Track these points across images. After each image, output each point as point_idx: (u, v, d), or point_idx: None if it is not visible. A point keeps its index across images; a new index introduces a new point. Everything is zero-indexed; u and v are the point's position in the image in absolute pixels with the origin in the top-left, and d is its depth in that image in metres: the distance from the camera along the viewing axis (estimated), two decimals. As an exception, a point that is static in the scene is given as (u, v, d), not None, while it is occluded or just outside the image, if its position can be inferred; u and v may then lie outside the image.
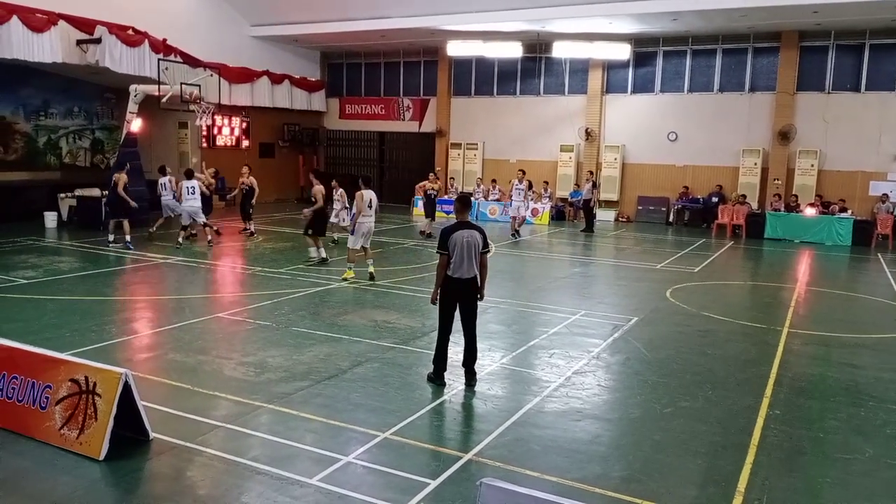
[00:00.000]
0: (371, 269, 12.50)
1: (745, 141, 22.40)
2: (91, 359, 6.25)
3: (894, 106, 20.68)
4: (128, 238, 15.33)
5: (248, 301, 10.92)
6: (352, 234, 12.43)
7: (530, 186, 20.64)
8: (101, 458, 5.33)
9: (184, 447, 5.63)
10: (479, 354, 7.47)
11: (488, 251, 7.43)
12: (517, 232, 19.27)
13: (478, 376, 7.38)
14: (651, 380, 7.71)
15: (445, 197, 25.01)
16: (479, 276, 7.29)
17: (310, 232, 13.98)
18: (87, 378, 5.58)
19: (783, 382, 7.71)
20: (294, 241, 17.07)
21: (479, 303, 7.41)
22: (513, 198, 19.58)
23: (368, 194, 12.28)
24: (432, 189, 19.64)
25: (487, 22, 21.94)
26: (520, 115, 25.81)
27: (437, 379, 7.26)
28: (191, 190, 15.79)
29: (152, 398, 6.37)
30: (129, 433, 5.61)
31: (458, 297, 7.23)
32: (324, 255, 14.03)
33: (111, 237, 15.64)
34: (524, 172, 20.35)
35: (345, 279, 12.27)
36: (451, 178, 26.57)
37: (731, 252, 18.14)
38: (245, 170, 17.84)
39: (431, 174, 20.62)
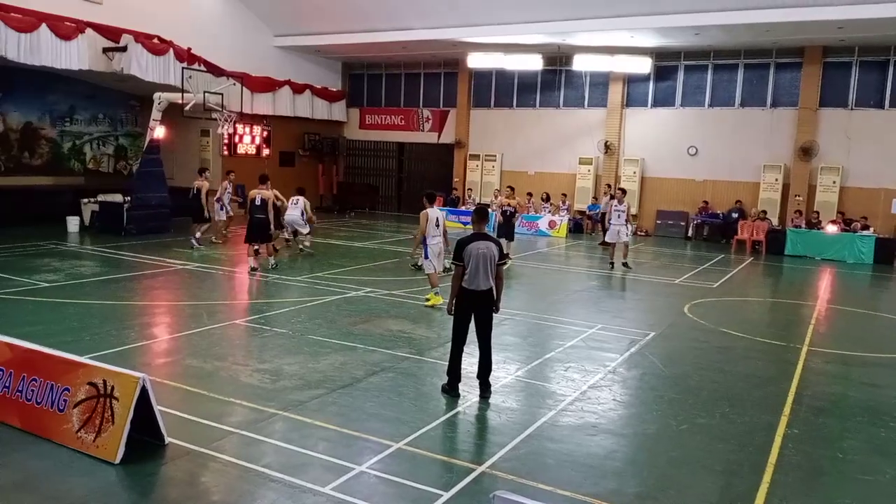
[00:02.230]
0: (440, 297, 11.41)
1: (766, 156, 22.21)
2: (109, 363, 6.31)
3: (919, 123, 20.43)
4: (197, 235, 16.59)
5: (265, 308, 10.98)
6: (426, 258, 11.67)
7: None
8: (117, 461, 5.38)
9: (198, 452, 5.66)
10: (493, 366, 7.45)
11: (504, 263, 7.40)
12: (622, 263, 16.15)
13: (492, 388, 7.36)
14: (667, 395, 7.64)
15: (463, 208, 25.08)
16: (494, 288, 7.27)
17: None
18: (104, 382, 5.64)
19: (802, 401, 7.60)
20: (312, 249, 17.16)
21: (494, 315, 7.39)
22: (611, 222, 16.35)
23: (434, 213, 11.43)
24: (509, 206, 16.86)
25: (509, 34, 22.01)
26: (539, 127, 25.80)
27: (451, 390, 7.25)
28: (294, 202, 16.14)
29: (168, 403, 6.42)
30: (145, 437, 5.65)
31: (473, 309, 7.23)
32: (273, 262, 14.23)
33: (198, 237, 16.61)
34: (624, 192, 17.26)
35: (431, 305, 11.25)
36: (468, 189, 26.62)
37: (751, 268, 17.97)
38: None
39: (508, 187, 18.30)
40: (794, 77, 22.03)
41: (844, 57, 21.31)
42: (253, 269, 13.75)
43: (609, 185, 23.41)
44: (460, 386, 7.28)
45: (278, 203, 15.24)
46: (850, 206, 21.10)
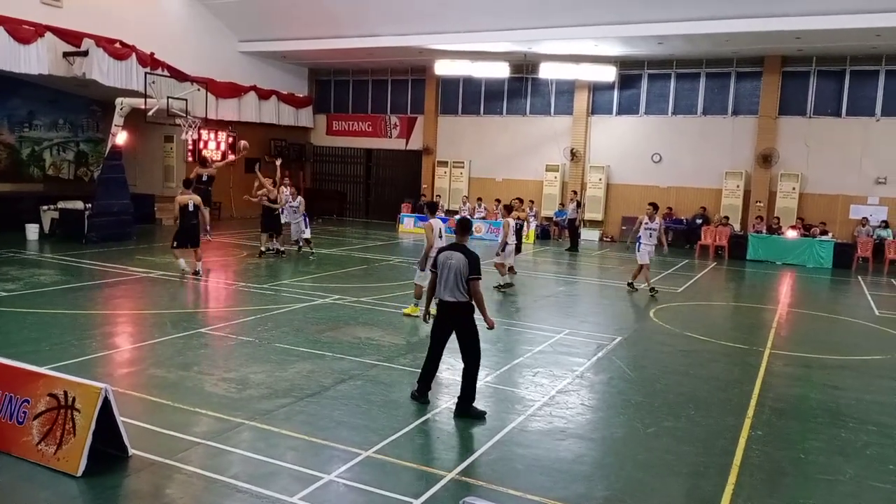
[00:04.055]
0: (418, 308, 10.84)
1: (727, 163, 22.66)
2: (71, 373, 6.17)
3: (874, 131, 21.05)
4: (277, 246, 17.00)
5: (231, 316, 10.84)
6: (422, 269, 10.82)
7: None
8: (79, 474, 5.25)
9: (163, 464, 5.56)
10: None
11: (476, 277, 7.00)
12: (627, 283, 14.71)
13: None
14: (634, 399, 7.72)
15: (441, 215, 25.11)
16: (471, 304, 6.99)
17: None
18: (66, 393, 5.51)
19: (765, 403, 7.75)
20: (277, 256, 17.00)
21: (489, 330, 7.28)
22: (641, 241, 14.39)
23: (438, 224, 10.85)
24: (518, 219, 15.64)
25: (475, 42, 22.15)
26: (506, 134, 25.98)
27: (419, 397, 7.22)
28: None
29: (132, 414, 6.29)
30: (108, 449, 5.53)
31: (445, 321, 7.07)
32: (184, 267, 13.61)
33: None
34: (656, 207, 14.84)
35: (407, 315, 11.05)
36: (437, 195, 26.66)
37: (714, 273, 18.28)
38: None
39: (516, 199, 16.43)
40: (754, 86, 22.53)
41: (803, 66, 21.87)
42: (184, 271, 13.58)
43: (575, 192, 23.62)
44: (430, 392, 7.25)
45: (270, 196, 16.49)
46: (809, 212, 21.63)
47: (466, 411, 6.88)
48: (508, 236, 13.98)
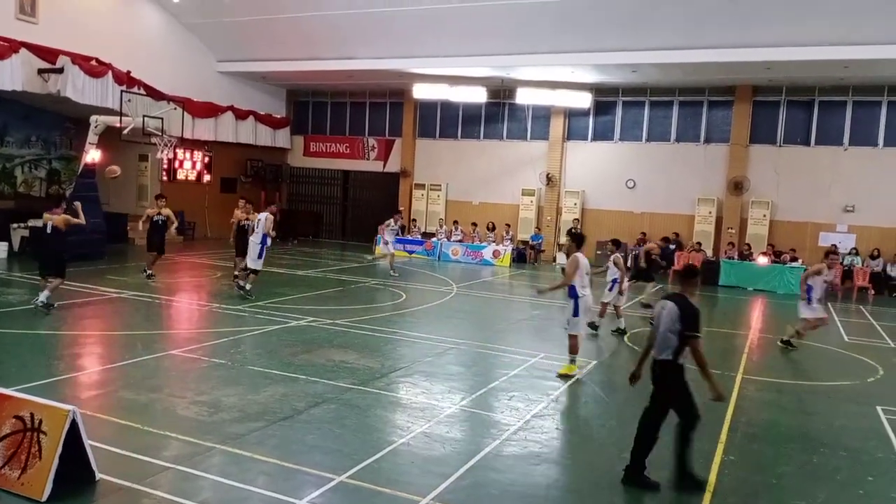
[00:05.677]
0: (576, 365, 9.55)
1: (700, 190, 23.01)
2: (38, 395, 6.04)
3: (843, 160, 21.55)
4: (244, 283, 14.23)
5: (203, 338, 10.71)
6: (575, 315, 9.45)
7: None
8: (44, 499, 5.12)
9: (131, 489, 5.44)
10: (441, 398, 7.39)
11: (692, 336, 5.95)
12: (786, 340, 12.47)
13: (453, 421, 7.26)
14: (609, 424, 7.73)
15: (409, 237, 25.10)
16: (678, 363, 6.08)
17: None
18: (32, 415, 5.38)
19: (737, 428, 7.81)
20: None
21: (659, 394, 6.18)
22: (812, 293, 12.28)
23: (584, 260, 9.47)
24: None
25: (454, 66, 22.37)
26: (483, 158, 26.17)
27: (638, 479, 6.08)
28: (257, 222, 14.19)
29: (100, 437, 6.16)
30: (75, 473, 5.40)
31: (655, 381, 6.20)
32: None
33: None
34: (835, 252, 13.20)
35: (564, 375, 9.38)
36: (413, 218, 26.69)
37: (688, 298, 18.43)
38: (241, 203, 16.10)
39: (645, 240, 14.45)
40: (725, 114, 22.99)
41: (773, 96, 22.38)
42: (46, 304, 11.59)
43: (577, 220, 23.43)
44: (405, 417, 7.19)
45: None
46: (779, 239, 22.00)
47: (636, 480, 6.08)
48: (622, 276, 12.85)
